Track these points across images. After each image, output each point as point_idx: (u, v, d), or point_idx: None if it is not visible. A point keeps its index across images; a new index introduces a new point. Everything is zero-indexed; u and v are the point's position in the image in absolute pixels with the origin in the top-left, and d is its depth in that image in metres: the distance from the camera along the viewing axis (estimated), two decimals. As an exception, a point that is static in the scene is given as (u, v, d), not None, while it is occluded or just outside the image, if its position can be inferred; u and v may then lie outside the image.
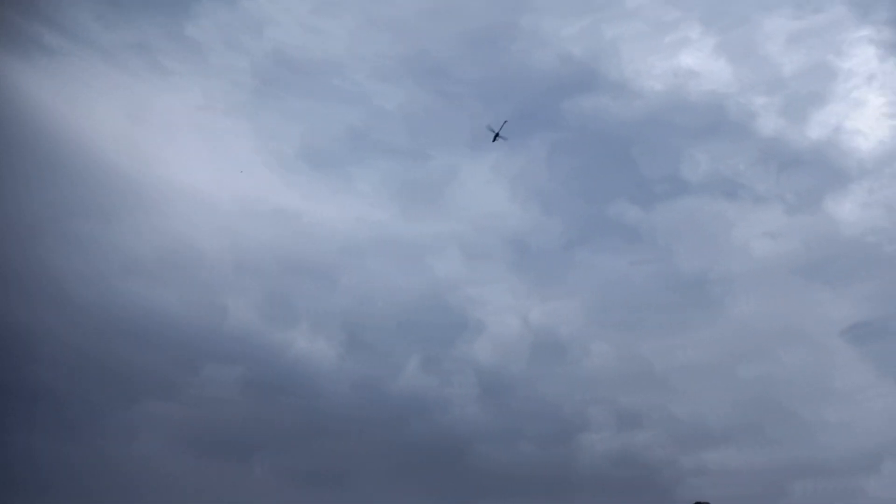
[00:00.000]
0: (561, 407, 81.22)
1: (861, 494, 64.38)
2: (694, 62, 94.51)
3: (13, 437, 62.79)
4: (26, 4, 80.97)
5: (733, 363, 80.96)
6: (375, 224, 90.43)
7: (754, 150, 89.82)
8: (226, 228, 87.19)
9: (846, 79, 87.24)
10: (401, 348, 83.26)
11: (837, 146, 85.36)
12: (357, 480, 74.35)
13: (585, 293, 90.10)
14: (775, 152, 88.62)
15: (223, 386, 74.80)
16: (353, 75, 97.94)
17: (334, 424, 75.84)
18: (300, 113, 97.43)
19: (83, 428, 67.59)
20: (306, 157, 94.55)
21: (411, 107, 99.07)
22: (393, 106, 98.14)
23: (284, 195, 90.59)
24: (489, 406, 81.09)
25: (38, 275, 70.40)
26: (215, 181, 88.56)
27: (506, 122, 57.70)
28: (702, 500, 54.36)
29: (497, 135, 54.24)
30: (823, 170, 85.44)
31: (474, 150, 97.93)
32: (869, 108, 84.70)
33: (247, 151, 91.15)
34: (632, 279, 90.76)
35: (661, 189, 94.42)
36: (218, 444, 72.30)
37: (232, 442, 72.83)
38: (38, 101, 78.80)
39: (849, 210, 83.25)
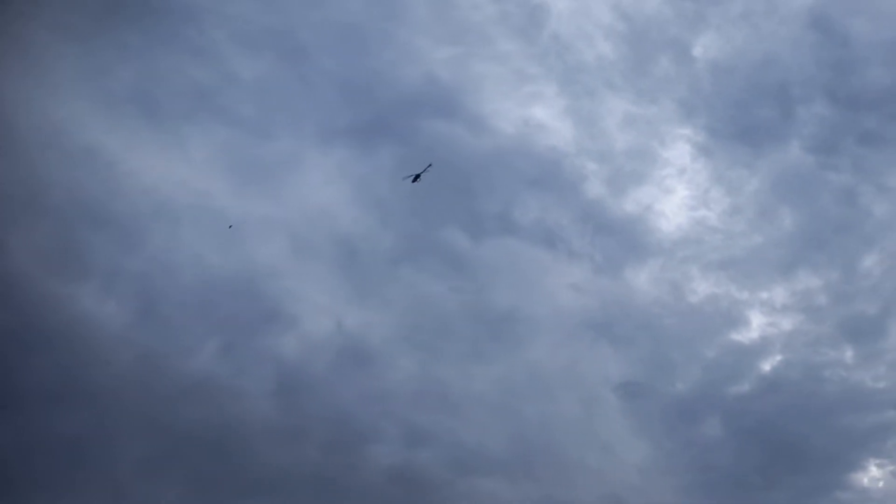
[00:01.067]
0: (355, 415, 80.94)
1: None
2: (544, 116, 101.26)
3: None
4: None
5: (520, 400, 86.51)
6: (200, 193, 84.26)
7: (578, 209, 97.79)
8: (19, 155, 75.75)
9: (663, 166, 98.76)
10: (200, 328, 77.80)
11: (645, 223, 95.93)
12: (111, 457, 67.85)
13: (401, 309, 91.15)
14: (595, 215, 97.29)
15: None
16: (213, 31, 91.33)
17: (105, 394, 68.52)
18: (141, 53, 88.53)
19: None
20: (137, 102, 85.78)
21: (267, 82, 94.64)
22: (249, 75, 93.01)
23: (101, 136, 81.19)
24: (282, 404, 78.54)
25: None
26: (20, 100, 76.92)
27: (430, 165, 56.76)
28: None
29: (417, 176, 53.11)
30: (630, 240, 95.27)
31: (323, 142, 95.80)
32: (676, 196, 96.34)
33: (68, 77, 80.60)
34: (447, 304, 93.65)
35: (491, 225, 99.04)
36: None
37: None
38: None
39: (643, 280, 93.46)
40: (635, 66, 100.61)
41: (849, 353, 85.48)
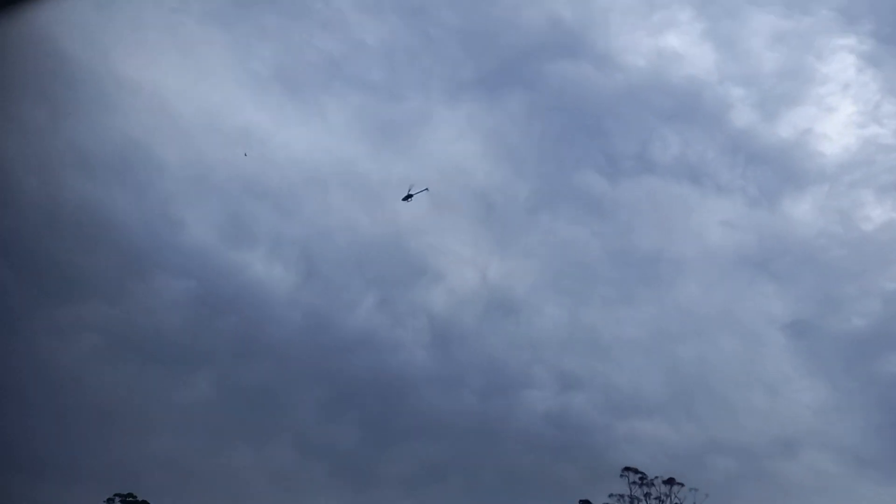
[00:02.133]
0: (507, 362, 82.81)
1: (778, 478, 68.48)
2: (679, 45, 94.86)
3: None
4: None
5: (674, 341, 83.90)
6: (343, 158, 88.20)
7: (724, 140, 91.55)
8: (188, 140, 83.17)
9: (822, 83, 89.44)
10: (357, 285, 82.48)
11: (804, 147, 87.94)
12: (294, 404, 74.33)
13: (543, 256, 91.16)
14: (744, 145, 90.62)
15: (173, 298, 72.70)
16: (337, 2, 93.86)
17: (281, 349, 75.06)
18: (278, 32, 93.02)
19: (10, 322, 64.18)
20: (279, 79, 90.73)
21: (392, 44, 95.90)
22: (374, 40, 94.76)
23: (253, 115, 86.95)
24: (438, 353, 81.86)
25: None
26: (182, 90, 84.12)
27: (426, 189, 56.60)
28: (631, 466, 56.22)
29: (410, 196, 53.43)
30: (787, 169, 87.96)
31: (451, 98, 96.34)
32: (840, 115, 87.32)
33: (219, 63, 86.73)
34: (589, 249, 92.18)
35: (629, 165, 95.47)
36: (163, 354, 70.57)
37: (177, 353, 71.22)
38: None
39: (805, 211, 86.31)
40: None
41: None
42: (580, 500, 45.65)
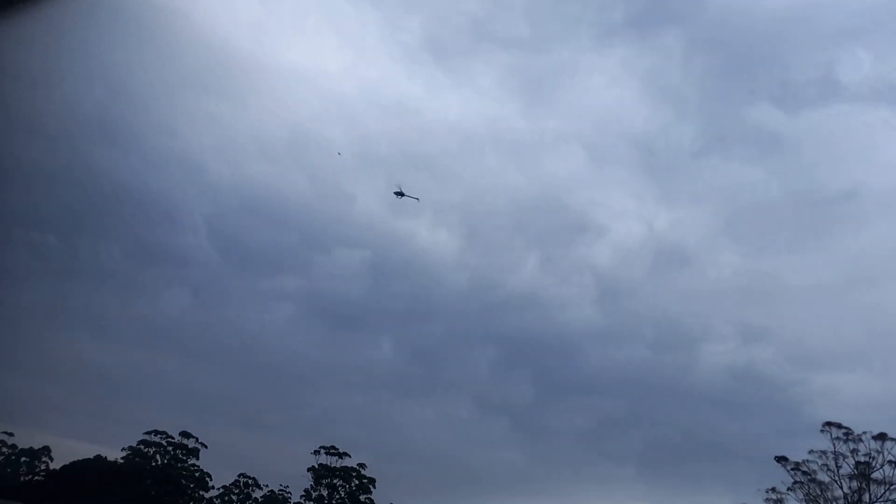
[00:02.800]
0: (681, 315, 79.26)
1: None
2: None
3: (167, 295, 68.41)
4: None
5: (873, 287, 75.11)
6: (496, 119, 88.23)
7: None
8: (351, 118, 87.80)
9: None
10: (519, 245, 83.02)
11: None
12: (469, 361, 77.12)
13: (715, 202, 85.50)
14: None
15: (351, 267, 78.07)
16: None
17: (451, 310, 78.05)
18: (424, 1, 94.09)
19: (214, 294, 72.67)
20: (429, 49, 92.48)
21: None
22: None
23: (407, 86, 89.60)
24: (606, 308, 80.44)
25: (168, 144, 73.91)
26: (341, 70, 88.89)
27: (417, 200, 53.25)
28: (833, 421, 51.46)
29: (402, 194, 50.46)
30: None
31: (601, 44, 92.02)
32: None
33: (372, 40, 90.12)
34: (766, 190, 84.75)
35: (810, 93, 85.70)
36: (348, 318, 76.51)
37: (360, 317, 77.00)
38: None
39: None
40: None
41: None
42: (776, 457, 42.70)
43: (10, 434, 43.62)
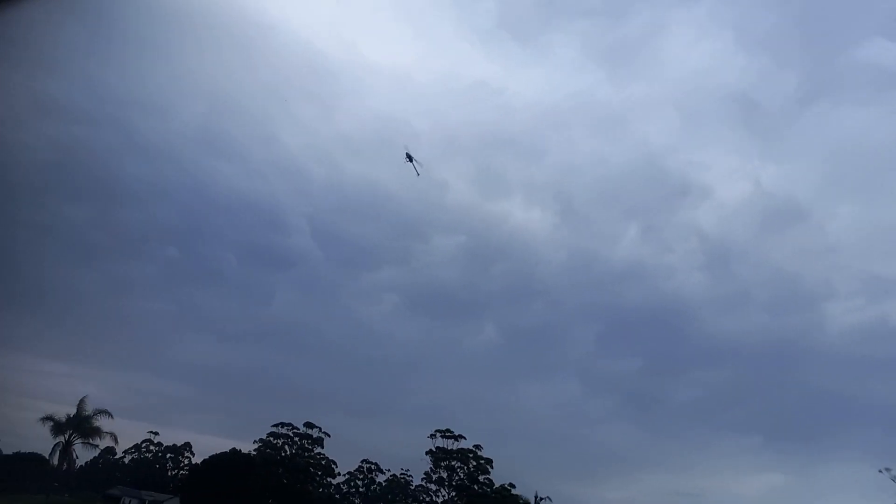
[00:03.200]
0: (799, 274, 74.64)
1: None
2: None
3: (278, 295, 71.98)
4: None
5: None
6: (579, 91, 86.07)
7: None
8: (433, 106, 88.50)
9: None
10: (616, 216, 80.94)
11: None
12: (572, 339, 76.16)
13: (826, 151, 79.27)
14: None
15: (449, 254, 79.20)
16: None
17: (552, 289, 77.34)
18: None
19: (321, 291, 75.66)
20: (506, 27, 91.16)
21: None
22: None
23: (486, 68, 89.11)
24: (716, 273, 76.99)
25: (267, 151, 77.52)
26: (418, 61, 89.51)
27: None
28: None
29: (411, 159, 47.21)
30: None
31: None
32: None
33: (446, 26, 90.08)
34: (885, 133, 77.76)
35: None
36: (449, 305, 77.75)
37: (461, 303, 77.85)
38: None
39: None
40: None
41: None
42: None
43: (156, 433, 47.78)
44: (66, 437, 30.81)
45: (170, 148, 77.06)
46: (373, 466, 45.74)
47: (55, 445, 30.78)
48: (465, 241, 79.22)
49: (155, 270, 69.75)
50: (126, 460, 45.58)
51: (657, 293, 76.16)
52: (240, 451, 39.89)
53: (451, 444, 42.54)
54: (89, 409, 31.43)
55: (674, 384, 72.18)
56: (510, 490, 39.34)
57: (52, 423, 30.67)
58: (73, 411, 31.17)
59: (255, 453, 40.30)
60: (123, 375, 57.32)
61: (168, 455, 45.19)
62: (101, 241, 68.73)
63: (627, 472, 58.13)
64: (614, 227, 79.90)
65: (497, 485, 40.22)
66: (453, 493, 40.84)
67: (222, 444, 44.33)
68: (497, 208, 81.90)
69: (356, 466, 45.13)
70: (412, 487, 45.36)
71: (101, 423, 31.55)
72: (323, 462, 41.80)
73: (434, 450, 42.48)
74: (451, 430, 43.60)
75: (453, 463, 41.89)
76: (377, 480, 45.24)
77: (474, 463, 41.73)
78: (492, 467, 42.06)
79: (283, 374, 63.31)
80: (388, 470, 45.27)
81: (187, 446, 44.90)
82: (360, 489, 45.44)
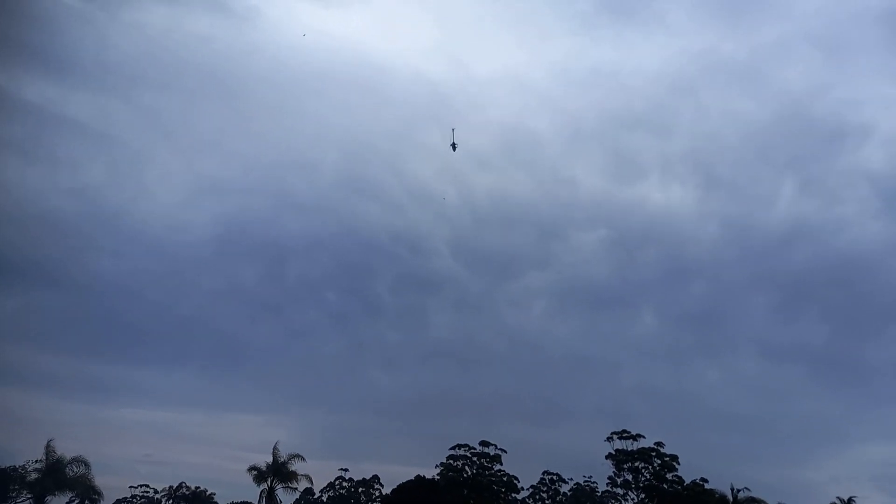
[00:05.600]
0: None
1: None
2: None
3: (433, 318, 74.02)
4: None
5: None
6: (701, 51, 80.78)
7: None
8: (551, 102, 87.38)
9: None
10: (767, 176, 74.53)
11: None
12: (743, 313, 70.88)
13: None
14: None
15: (591, 249, 77.45)
16: None
17: (708, 265, 72.67)
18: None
19: (470, 306, 76.76)
20: (607, 8, 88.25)
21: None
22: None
23: (596, 54, 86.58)
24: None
25: (402, 183, 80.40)
26: (529, 62, 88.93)
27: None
28: None
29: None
30: None
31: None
32: None
33: (548, 22, 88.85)
34: None
35: None
36: (602, 300, 75.88)
37: (613, 295, 75.71)
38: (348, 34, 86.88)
39: None
40: None
41: None
42: None
43: (346, 469, 50.61)
44: (269, 483, 33.54)
45: (319, 198, 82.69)
46: (555, 477, 45.17)
47: (260, 493, 33.60)
48: (605, 233, 76.92)
49: (321, 315, 74.94)
50: (324, 499, 48.67)
51: (831, 250, 69.21)
52: (424, 476, 41.16)
53: (630, 445, 41.04)
54: (283, 454, 33.99)
55: (871, 345, 64.71)
56: (703, 485, 37.05)
57: (255, 472, 33.55)
58: (269, 458, 33.86)
59: (437, 477, 41.34)
60: (308, 416, 61.96)
61: (360, 490, 47.61)
62: (272, 296, 75.12)
63: (832, 448, 52.73)
64: (767, 187, 73.71)
65: (688, 481, 38.11)
66: (643, 496, 39.23)
67: (406, 472, 46.09)
68: (633, 193, 78.84)
69: (538, 479, 44.87)
70: (598, 493, 44.13)
71: (296, 466, 34.00)
72: (504, 478, 41.97)
73: (614, 452, 41.17)
74: (628, 430, 42.05)
75: (636, 464, 40.32)
76: (561, 491, 44.57)
77: (658, 461, 39.91)
78: (678, 463, 40.00)
79: (453, 393, 65.16)
80: (571, 479, 44.48)
81: (376, 479, 47.06)
82: (546, 501, 44.96)
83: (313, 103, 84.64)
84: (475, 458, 42.18)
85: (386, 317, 74.93)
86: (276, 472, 33.70)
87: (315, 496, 47.40)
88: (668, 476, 39.18)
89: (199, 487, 47.92)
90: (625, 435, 41.18)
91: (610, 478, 41.21)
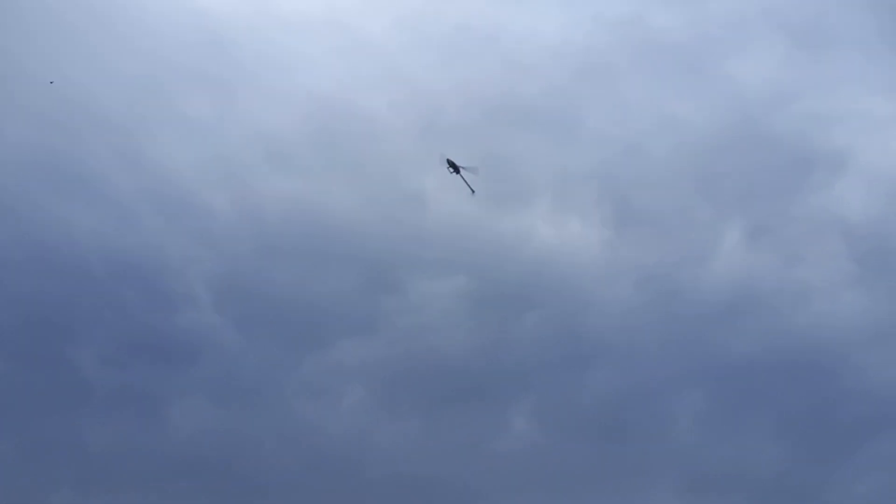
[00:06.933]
0: None
1: None
2: None
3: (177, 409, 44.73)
4: None
5: None
6: (620, 22, 55.01)
7: None
8: (397, 72, 57.40)
9: None
10: (704, 216, 51.31)
11: None
12: (652, 426, 48.32)
13: None
14: None
15: (439, 309, 50.94)
16: None
17: (613, 346, 49.02)
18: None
19: (256, 388, 48.22)
20: None
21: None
22: None
23: (471, 8, 58.59)
24: (878, 287, 48.09)
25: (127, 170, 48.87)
26: (367, 4, 59.24)
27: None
28: None
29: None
30: None
31: None
32: None
33: None
34: None
35: None
36: (448, 393, 49.72)
37: (467, 387, 49.96)
38: None
39: None
40: None
41: None
42: None
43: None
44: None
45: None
46: None
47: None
48: (465, 284, 50.89)
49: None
50: None
51: (787, 332, 47.92)
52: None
53: None
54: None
55: (837, 473, 44.75)
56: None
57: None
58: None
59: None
60: None
61: None
62: None
63: None
64: (704, 231, 50.69)
65: None
66: None
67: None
68: (511, 225, 52.61)
69: None
70: None
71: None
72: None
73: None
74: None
75: None
76: None
77: None
78: None
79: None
80: None
81: None
82: None
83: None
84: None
85: (91, 405, 44.63)
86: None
87: None
88: None
89: None
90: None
91: None
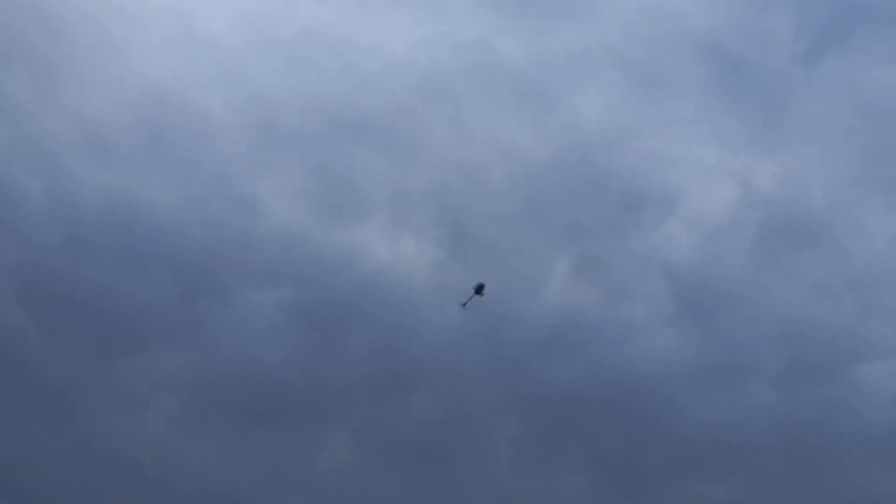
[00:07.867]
0: (821, 323, 48.00)
1: None
2: None
3: None
4: None
5: None
6: (466, 44, 54.97)
7: None
8: (234, 69, 54.84)
9: None
10: (536, 246, 51.21)
11: None
12: (477, 446, 47.02)
13: (843, 131, 52.80)
14: None
15: (263, 319, 47.77)
16: None
17: (437, 370, 47.58)
18: None
19: (61, 396, 43.59)
20: None
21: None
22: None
23: (318, 12, 56.88)
24: (693, 329, 49.13)
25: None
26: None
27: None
28: None
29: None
30: None
31: None
32: None
33: None
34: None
35: None
36: (264, 408, 46.33)
37: (285, 403, 46.87)
38: None
39: None
40: None
41: None
42: None
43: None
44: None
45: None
46: None
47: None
48: (291, 296, 48.37)
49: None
50: None
51: (606, 367, 48.11)
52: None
53: None
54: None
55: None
56: None
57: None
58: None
59: None
60: None
61: None
62: None
63: None
64: (535, 261, 50.63)
65: None
66: None
67: None
68: (346, 239, 50.65)
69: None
70: None
71: None
72: None
73: None
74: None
75: None
76: None
77: None
78: None
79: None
80: None
81: None
82: None
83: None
84: None
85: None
86: None
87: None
88: None
89: None
90: None
91: None
